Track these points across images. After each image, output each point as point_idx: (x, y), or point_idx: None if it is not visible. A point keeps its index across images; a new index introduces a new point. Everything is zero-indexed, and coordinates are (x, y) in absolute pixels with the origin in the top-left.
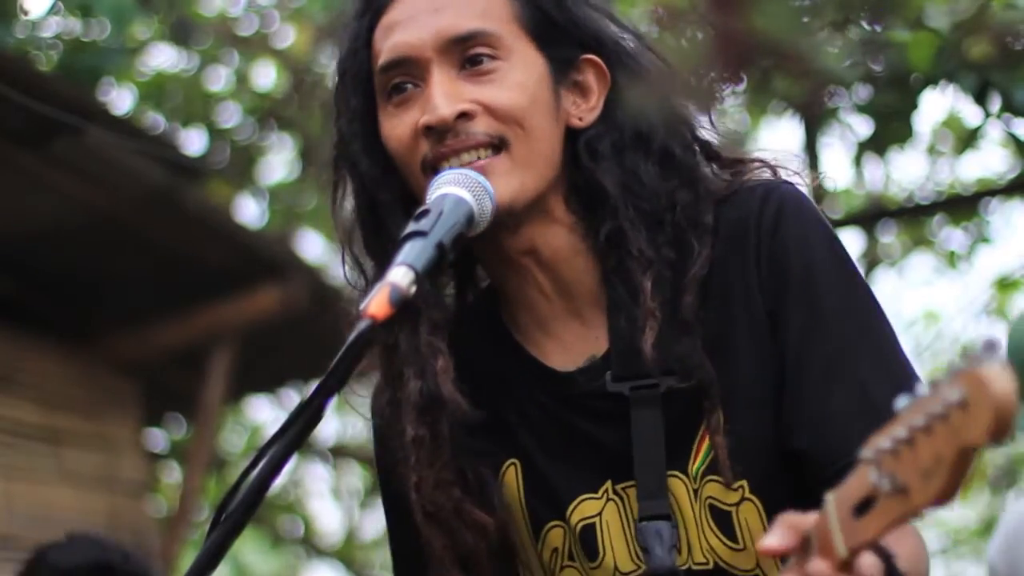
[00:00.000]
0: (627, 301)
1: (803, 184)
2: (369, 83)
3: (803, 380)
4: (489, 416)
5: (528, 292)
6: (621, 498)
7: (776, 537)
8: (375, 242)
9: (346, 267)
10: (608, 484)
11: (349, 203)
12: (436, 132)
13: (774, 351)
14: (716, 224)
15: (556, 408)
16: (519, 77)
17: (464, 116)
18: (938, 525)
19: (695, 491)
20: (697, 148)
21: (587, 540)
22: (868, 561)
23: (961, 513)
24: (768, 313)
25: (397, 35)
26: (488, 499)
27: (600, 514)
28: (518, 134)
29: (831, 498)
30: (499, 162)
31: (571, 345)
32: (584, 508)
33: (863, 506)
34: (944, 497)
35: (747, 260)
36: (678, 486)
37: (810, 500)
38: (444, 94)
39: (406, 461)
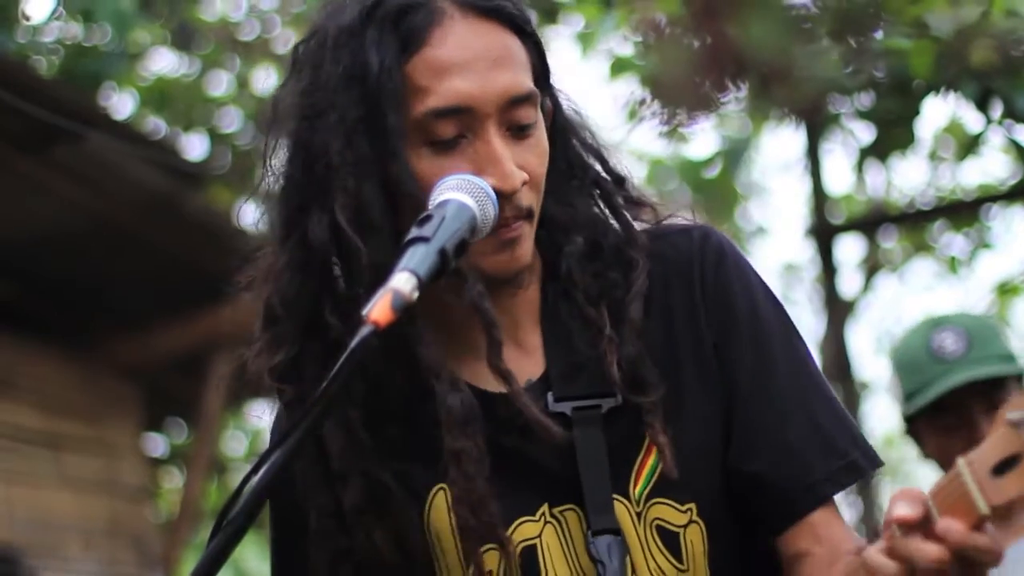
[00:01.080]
0: (570, 324)
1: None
2: (400, 107)
3: (759, 414)
4: (416, 441)
5: (468, 322)
6: (559, 521)
7: (904, 507)
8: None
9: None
10: (545, 507)
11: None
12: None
13: (717, 378)
14: (651, 251)
15: (489, 431)
16: (544, 143)
17: (523, 185)
18: None
19: (639, 514)
20: (616, 183)
21: (528, 563)
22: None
23: None
24: (715, 344)
25: (456, 81)
26: (401, 526)
27: (540, 536)
28: (538, 200)
29: (962, 462)
30: (527, 228)
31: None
32: (523, 530)
33: (1003, 466)
34: None
35: (691, 291)
36: (620, 509)
37: (752, 527)
38: (509, 160)
39: (344, 465)
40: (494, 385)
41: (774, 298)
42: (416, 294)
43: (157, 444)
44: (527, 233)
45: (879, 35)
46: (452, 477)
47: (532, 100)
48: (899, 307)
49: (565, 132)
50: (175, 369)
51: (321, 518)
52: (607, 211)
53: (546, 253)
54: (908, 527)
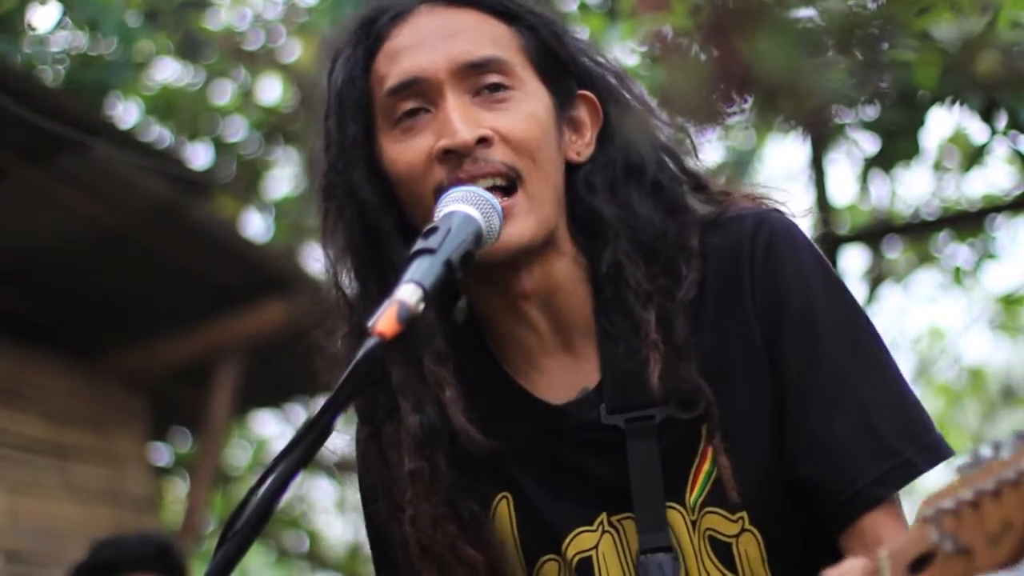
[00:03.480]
0: (622, 332)
1: (791, 213)
2: (367, 110)
3: (805, 409)
4: (479, 449)
5: (518, 327)
6: (617, 530)
7: None
8: (374, 271)
9: (341, 292)
10: (603, 516)
11: (340, 232)
12: (455, 156)
13: (771, 376)
14: (704, 250)
15: (548, 441)
16: (530, 107)
17: (483, 141)
18: None
19: (693, 523)
20: (684, 179)
21: (584, 573)
22: None
23: None
24: (764, 337)
25: (407, 59)
26: (481, 535)
27: (596, 546)
28: (530, 167)
29: (884, 554)
30: (517, 203)
31: (561, 378)
32: (580, 541)
33: (919, 564)
34: (1011, 563)
35: (741, 286)
36: (676, 518)
37: (810, 533)
38: (463, 118)
39: (392, 495)
40: (550, 394)
41: (833, 284)
42: (422, 306)
43: (162, 454)
44: (523, 209)
45: (885, 47)
46: (408, 497)
47: (495, 67)
48: (904, 318)
49: (623, 130)
50: (180, 379)
51: (406, 539)
52: (670, 214)
53: (592, 256)
54: None
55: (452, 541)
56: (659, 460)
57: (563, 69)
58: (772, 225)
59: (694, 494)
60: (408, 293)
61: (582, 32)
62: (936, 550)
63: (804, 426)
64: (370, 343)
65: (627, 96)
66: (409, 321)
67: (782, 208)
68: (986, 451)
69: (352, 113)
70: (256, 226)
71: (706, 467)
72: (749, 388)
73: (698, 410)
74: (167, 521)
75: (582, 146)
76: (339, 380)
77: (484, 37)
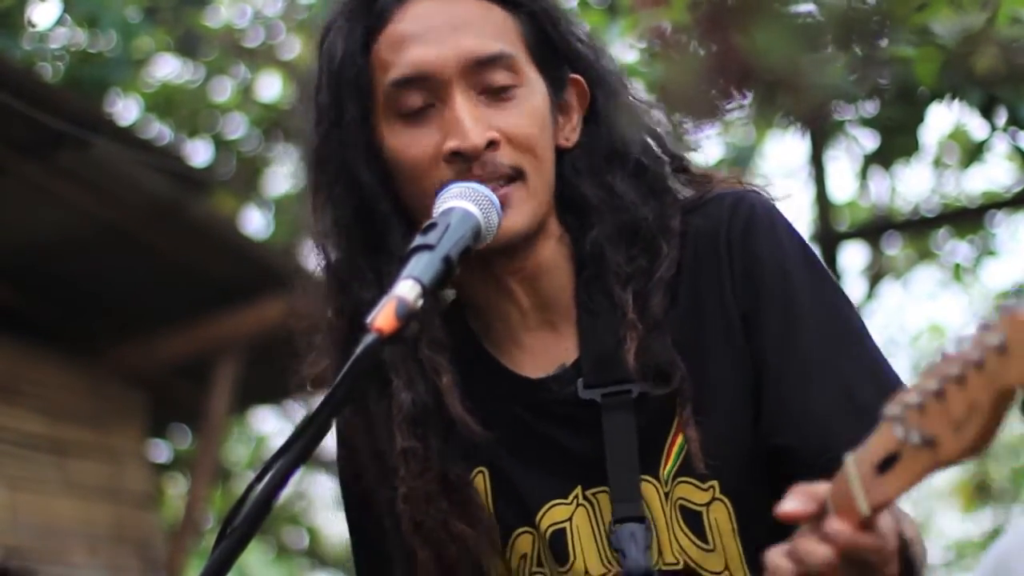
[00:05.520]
0: (601, 310)
1: (770, 195)
2: (367, 92)
3: (784, 380)
4: (456, 424)
5: (502, 303)
6: (591, 503)
7: (793, 502)
8: (366, 250)
9: (329, 268)
10: (578, 489)
11: (331, 208)
12: (463, 158)
13: (747, 353)
14: (684, 229)
15: (525, 415)
16: (533, 103)
17: (491, 145)
18: (940, 539)
19: (666, 494)
20: (667, 160)
21: (557, 545)
22: (886, 520)
23: (963, 527)
24: (742, 316)
25: (413, 50)
26: (471, 511)
27: (570, 519)
28: (532, 163)
29: (850, 459)
30: (516, 192)
31: (540, 354)
32: (554, 513)
33: (886, 464)
34: (976, 447)
35: (720, 265)
36: (649, 490)
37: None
38: (473, 119)
39: (379, 472)
40: (529, 370)
41: (809, 259)
42: (420, 302)
43: (161, 450)
44: (520, 197)
45: (884, 43)
46: (401, 475)
47: (502, 63)
48: (903, 314)
49: (608, 112)
50: (180, 375)
51: (396, 512)
52: (652, 195)
53: (578, 236)
54: (811, 523)
55: (444, 517)
56: (635, 433)
57: (558, 55)
58: (750, 203)
59: (667, 467)
60: (407, 289)
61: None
62: (901, 448)
63: (783, 397)
64: (369, 339)
65: (611, 77)
66: (408, 317)
67: (761, 190)
68: (949, 348)
69: (350, 92)
70: (256, 223)
71: (679, 440)
72: (724, 363)
73: (672, 384)
74: (167, 517)
75: (570, 130)
76: (338, 375)
77: (491, 29)
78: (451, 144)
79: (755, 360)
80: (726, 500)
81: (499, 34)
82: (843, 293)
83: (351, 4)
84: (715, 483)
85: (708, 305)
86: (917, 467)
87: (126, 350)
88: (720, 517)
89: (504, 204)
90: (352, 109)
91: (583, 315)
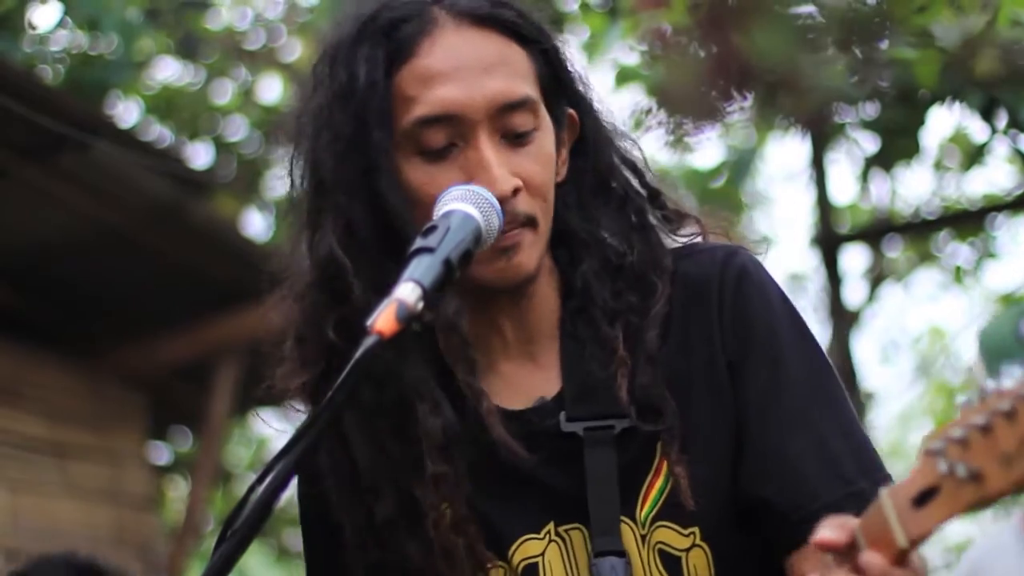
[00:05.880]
0: (587, 343)
1: (756, 251)
2: (389, 119)
3: (766, 433)
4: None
5: (483, 331)
6: (563, 540)
7: (829, 531)
8: (382, 273)
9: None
10: (551, 525)
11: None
12: None
13: (731, 402)
14: (675, 274)
15: (500, 446)
16: (547, 148)
17: (515, 192)
18: (942, 541)
19: (643, 536)
20: (645, 194)
21: None
22: (917, 556)
23: (965, 529)
24: (728, 365)
25: (442, 89)
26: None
27: (543, 554)
28: (543, 209)
29: (885, 493)
30: (528, 237)
31: (519, 385)
32: (526, 548)
33: (922, 498)
34: None
35: (709, 313)
36: (625, 531)
37: (760, 553)
38: (499, 165)
39: (355, 485)
40: (508, 400)
41: (796, 320)
42: (421, 304)
43: (162, 453)
44: (529, 241)
45: (884, 45)
46: (431, 502)
47: (528, 107)
48: (904, 317)
49: (596, 144)
50: (180, 377)
51: (355, 532)
52: (637, 228)
53: (565, 269)
54: (839, 556)
55: (472, 543)
56: (616, 470)
57: (562, 92)
58: (742, 260)
59: (645, 509)
60: (407, 292)
61: (583, 32)
62: (941, 482)
63: (764, 449)
64: (369, 341)
65: (596, 109)
66: (408, 320)
67: (747, 246)
68: (990, 385)
69: (376, 119)
70: (256, 225)
71: (659, 483)
72: (709, 408)
73: (664, 421)
74: (168, 520)
75: (561, 164)
76: (338, 379)
77: (516, 72)
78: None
79: (738, 410)
80: (705, 547)
81: (523, 76)
82: (824, 353)
83: (370, 27)
84: (696, 529)
85: (696, 349)
86: (959, 501)
87: (127, 352)
88: (699, 564)
89: (515, 249)
90: (379, 136)
91: (568, 348)
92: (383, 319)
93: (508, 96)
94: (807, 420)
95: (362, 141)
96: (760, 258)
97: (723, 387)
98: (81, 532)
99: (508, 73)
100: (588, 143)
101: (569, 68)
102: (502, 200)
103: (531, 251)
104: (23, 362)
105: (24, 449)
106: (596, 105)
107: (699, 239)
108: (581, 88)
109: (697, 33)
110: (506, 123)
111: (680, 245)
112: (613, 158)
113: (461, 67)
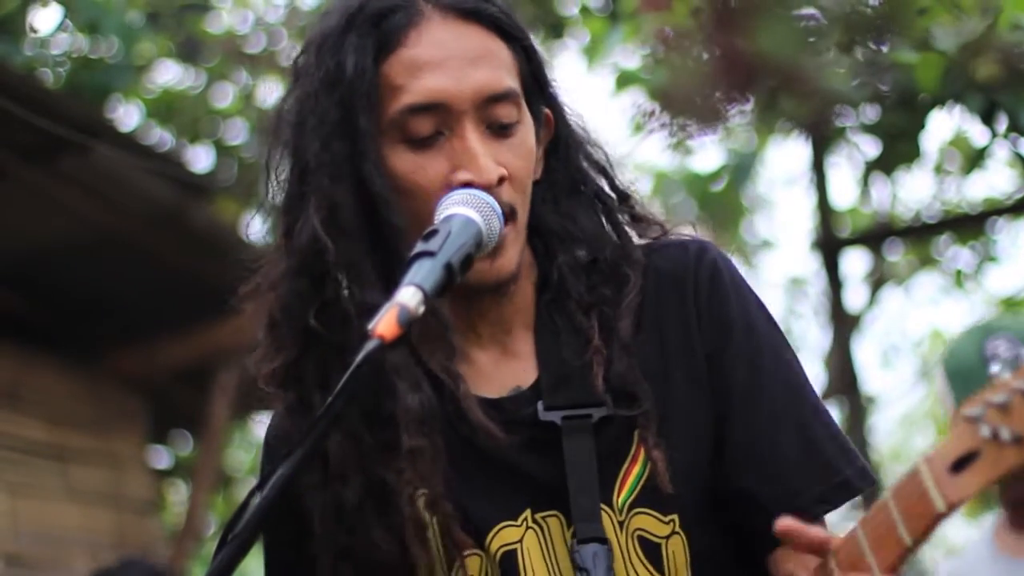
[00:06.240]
0: (563, 333)
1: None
2: (376, 107)
3: (749, 424)
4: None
5: (458, 323)
6: (540, 527)
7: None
8: (378, 264)
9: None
10: (527, 512)
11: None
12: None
13: (709, 393)
14: (647, 266)
15: (476, 434)
16: (528, 141)
17: (500, 181)
18: (944, 544)
19: (620, 523)
20: (613, 195)
21: (507, 567)
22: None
23: (968, 532)
24: (707, 356)
25: (431, 79)
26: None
27: (521, 541)
28: (522, 202)
29: (921, 460)
30: (510, 232)
31: (493, 375)
32: (504, 535)
33: (961, 463)
34: None
35: (685, 305)
36: (603, 518)
37: (738, 547)
38: (486, 154)
39: (322, 470)
40: (488, 391)
41: (768, 315)
42: (422, 308)
43: (162, 456)
44: (511, 239)
45: (886, 48)
46: (408, 476)
47: (512, 99)
48: (905, 321)
49: (568, 144)
50: (181, 381)
51: (323, 518)
52: (608, 225)
53: (542, 263)
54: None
55: (447, 522)
56: (595, 457)
57: (540, 90)
58: (716, 254)
59: (622, 495)
60: (408, 296)
61: (583, 36)
62: (982, 446)
63: (749, 441)
64: (370, 345)
65: (568, 110)
66: (409, 324)
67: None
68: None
69: (362, 105)
70: (258, 228)
71: (636, 469)
72: (686, 397)
73: (641, 406)
74: (168, 524)
75: (537, 162)
76: (339, 382)
77: (501, 65)
78: (464, 176)
79: (718, 402)
80: (683, 535)
81: (507, 70)
82: (792, 349)
83: (357, 17)
84: (675, 516)
85: (672, 340)
86: (1001, 464)
87: (127, 356)
88: (677, 551)
89: (499, 250)
90: (365, 122)
91: (543, 338)
92: (385, 323)
93: (494, 87)
94: (789, 413)
95: (349, 127)
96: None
97: (701, 377)
98: (81, 536)
99: (493, 65)
100: (560, 143)
101: (545, 69)
102: (488, 189)
103: (513, 249)
104: (23, 365)
105: (24, 453)
106: (568, 108)
107: (665, 236)
108: (555, 90)
109: (700, 36)
110: (491, 114)
111: (649, 240)
112: (582, 160)
113: (449, 57)
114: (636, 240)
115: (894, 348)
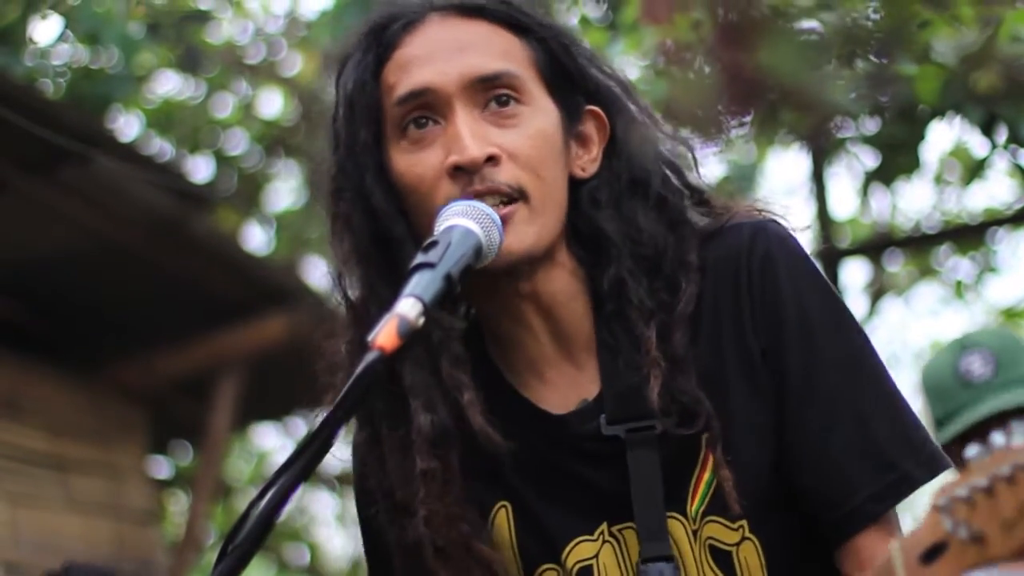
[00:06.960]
0: (622, 345)
1: (788, 224)
2: (377, 117)
3: (805, 420)
4: (478, 458)
5: (520, 333)
6: (617, 540)
7: None
8: (384, 277)
9: (345, 296)
10: (604, 526)
11: (349, 236)
12: (465, 173)
13: (769, 390)
14: (703, 262)
15: (548, 450)
16: (539, 124)
17: (491, 160)
18: None
19: (694, 532)
20: (687, 193)
21: None
22: None
23: None
24: (762, 351)
25: (417, 70)
26: (488, 537)
27: (597, 556)
28: (535, 183)
29: (895, 546)
30: (519, 212)
31: (561, 388)
32: (580, 550)
33: (932, 553)
34: None
35: (738, 297)
36: (676, 527)
37: (807, 540)
38: (472, 134)
39: (392, 499)
40: (551, 404)
41: (829, 296)
42: (422, 320)
43: (162, 466)
44: (522, 217)
45: (887, 61)
46: (421, 497)
47: (505, 81)
48: (905, 331)
49: (628, 145)
50: (181, 392)
51: (399, 552)
52: (671, 228)
53: (592, 271)
54: None
55: (467, 540)
56: (660, 470)
57: (572, 83)
58: (768, 235)
59: (695, 504)
60: (408, 307)
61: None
62: (949, 539)
63: (804, 438)
64: (370, 357)
65: (633, 109)
66: (409, 335)
67: (780, 219)
68: (998, 439)
69: (362, 118)
70: (257, 239)
71: (706, 476)
72: (747, 399)
73: (698, 425)
74: (168, 534)
75: (588, 161)
76: (340, 393)
77: (495, 50)
78: (452, 159)
79: (777, 397)
80: (755, 539)
81: (504, 55)
82: (860, 327)
83: (363, 36)
84: (744, 522)
85: (729, 340)
86: (964, 561)
87: (127, 366)
88: (750, 557)
89: (505, 223)
90: (365, 134)
91: (604, 350)
92: (384, 335)
93: (480, 69)
94: (846, 404)
95: (353, 142)
96: (790, 230)
97: (759, 375)
98: (82, 546)
99: (484, 51)
100: (619, 142)
101: (586, 64)
102: (475, 165)
103: (526, 229)
104: (23, 375)
105: (25, 463)
106: (629, 104)
107: (730, 217)
108: (609, 86)
109: (701, 48)
110: (484, 97)
111: (709, 225)
112: (649, 157)
113: (436, 50)
114: (703, 226)
115: (894, 358)
